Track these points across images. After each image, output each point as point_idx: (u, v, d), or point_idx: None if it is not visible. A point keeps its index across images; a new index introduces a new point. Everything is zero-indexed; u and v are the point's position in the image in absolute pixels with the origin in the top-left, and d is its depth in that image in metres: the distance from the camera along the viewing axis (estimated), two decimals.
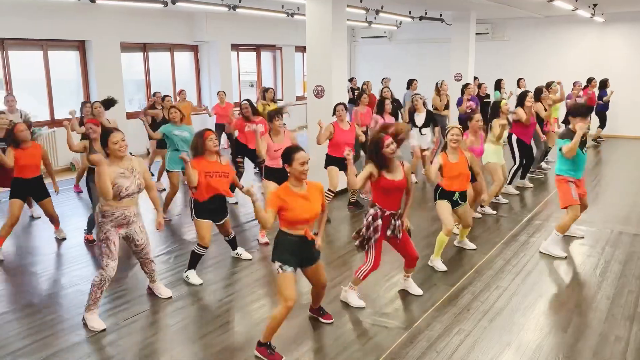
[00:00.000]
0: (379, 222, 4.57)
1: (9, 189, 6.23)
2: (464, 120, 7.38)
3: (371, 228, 4.58)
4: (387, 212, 4.59)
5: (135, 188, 4.46)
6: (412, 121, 9.19)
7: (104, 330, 4.46)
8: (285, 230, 3.95)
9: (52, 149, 10.40)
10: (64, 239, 6.74)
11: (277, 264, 3.93)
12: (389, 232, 4.61)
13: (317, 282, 4.26)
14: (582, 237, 6.54)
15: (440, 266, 5.67)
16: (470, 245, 6.23)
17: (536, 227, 6.98)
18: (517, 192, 8.65)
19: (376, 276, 5.45)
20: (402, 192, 4.64)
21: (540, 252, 6.10)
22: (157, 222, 4.85)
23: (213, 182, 5.15)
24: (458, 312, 4.71)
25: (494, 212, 7.67)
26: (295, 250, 3.94)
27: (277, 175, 6.12)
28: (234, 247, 6.02)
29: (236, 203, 8.23)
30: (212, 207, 5.28)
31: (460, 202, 5.67)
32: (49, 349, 4.19)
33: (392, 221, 4.60)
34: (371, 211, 4.63)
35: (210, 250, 5.85)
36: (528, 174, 9.30)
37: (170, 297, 5.04)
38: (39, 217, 7.49)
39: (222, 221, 5.48)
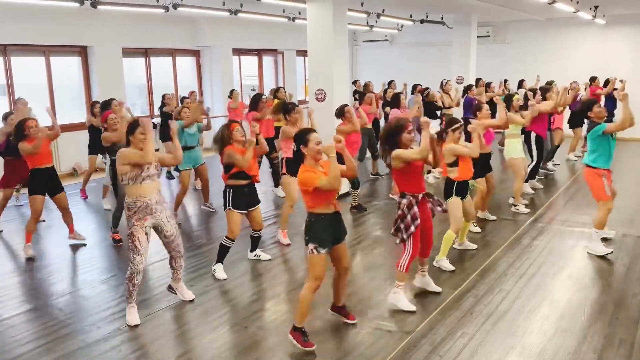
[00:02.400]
0: (415, 208, 4.62)
1: (17, 186, 6.30)
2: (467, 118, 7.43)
3: (408, 217, 4.62)
4: (420, 196, 4.68)
5: (153, 170, 4.61)
6: (432, 113, 9.56)
7: (136, 326, 4.55)
8: (317, 211, 4.03)
9: (55, 154, 10.39)
10: (84, 241, 6.74)
11: (312, 245, 4.02)
12: (430, 207, 4.76)
13: (342, 262, 4.30)
14: (611, 239, 6.46)
15: (448, 266, 5.67)
16: (472, 246, 6.24)
17: (539, 230, 6.96)
18: (533, 191, 8.67)
19: (379, 280, 5.44)
20: (422, 173, 4.78)
21: (588, 253, 6.07)
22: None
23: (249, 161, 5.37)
24: (461, 315, 4.69)
25: (528, 210, 7.66)
26: (329, 229, 4.06)
27: (296, 168, 6.27)
28: (254, 248, 6.04)
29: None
30: (248, 192, 5.48)
31: (470, 188, 5.78)
32: (52, 354, 4.18)
33: (428, 204, 4.76)
34: (404, 201, 4.66)
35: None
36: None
37: (193, 300, 5.05)
38: (44, 221, 7.53)
39: (255, 208, 5.59)
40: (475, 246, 6.25)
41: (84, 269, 5.96)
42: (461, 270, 5.67)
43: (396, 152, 4.56)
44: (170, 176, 10.38)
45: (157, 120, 10.76)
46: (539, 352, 4.10)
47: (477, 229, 6.84)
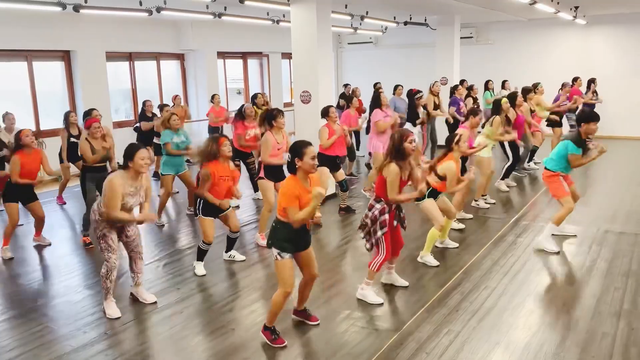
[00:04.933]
0: (386, 216, 4.73)
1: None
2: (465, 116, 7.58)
3: (378, 222, 4.72)
4: (394, 206, 4.80)
5: (136, 204, 4.74)
6: (414, 119, 9.53)
7: (118, 318, 4.68)
8: (286, 220, 4.04)
9: None
10: (50, 244, 6.79)
11: (275, 251, 4.09)
12: (395, 223, 4.86)
13: (309, 268, 4.32)
14: (575, 236, 6.56)
15: (432, 261, 5.76)
16: (453, 244, 6.29)
17: (523, 228, 7.04)
18: (508, 189, 8.82)
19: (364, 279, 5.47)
20: (404, 187, 4.86)
21: (534, 249, 6.16)
22: (146, 216, 4.85)
23: (222, 184, 5.47)
24: (447, 312, 4.73)
25: (487, 206, 7.85)
26: (292, 238, 4.09)
27: (274, 173, 6.44)
28: (229, 249, 6.05)
29: (237, 207, 8.27)
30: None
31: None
32: None
33: (398, 213, 4.87)
34: (378, 206, 4.76)
35: (207, 254, 5.87)
36: (513, 173, 9.43)
37: (155, 303, 5.04)
38: (21, 225, 7.41)
39: (225, 212, 5.63)
40: (456, 245, 6.30)
41: (68, 275, 5.91)
42: (447, 268, 5.72)
43: (389, 173, 4.63)
44: (157, 177, 10.31)
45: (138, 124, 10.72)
46: (523, 347, 4.15)
47: (462, 226, 6.92)
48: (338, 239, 7.01)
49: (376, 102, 9.08)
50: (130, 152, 4.57)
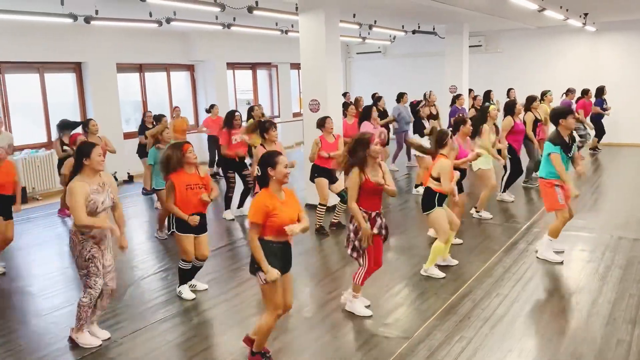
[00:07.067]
0: (367, 225, 4.62)
1: None
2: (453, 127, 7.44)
3: (359, 233, 4.62)
4: (373, 214, 4.69)
5: (109, 202, 4.36)
6: (420, 129, 9.34)
7: (99, 346, 4.41)
8: (268, 239, 3.79)
9: (49, 171, 10.35)
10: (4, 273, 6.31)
11: (262, 275, 3.77)
12: (375, 231, 4.69)
13: (285, 296, 3.98)
14: (562, 252, 6.18)
15: (438, 273, 5.65)
16: (453, 262, 5.96)
17: (535, 235, 6.96)
18: (512, 199, 8.67)
19: (376, 286, 5.42)
20: (381, 193, 4.74)
21: (537, 257, 6.09)
22: (120, 245, 4.48)
23: (191, 195, 5.06)
24: (459, 320, 4.68)
25: (491, 216, 7.74)
26: (277, 257, 3.82)
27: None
28: (191, 277, 5.55)
29: (233, 219, 8.24)
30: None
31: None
32: None
33: (378, 220, 4.73)
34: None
35: (208, 266, 5.84)
36: (522, 184, 9.32)
37: (109, 338, 4.58)
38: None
39: (201, 235, 5.28)
40: (456, 262, 5.97)
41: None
42: (457, 276, 5.66)
43: (351, 175, 4.61)
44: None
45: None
46: (536, 355, 4.09)
47: (460, 241, 6.61)
48: (339, 252, 6.89)
49: (366, 115, 8.76)
50: (87, 150, 4.24)
